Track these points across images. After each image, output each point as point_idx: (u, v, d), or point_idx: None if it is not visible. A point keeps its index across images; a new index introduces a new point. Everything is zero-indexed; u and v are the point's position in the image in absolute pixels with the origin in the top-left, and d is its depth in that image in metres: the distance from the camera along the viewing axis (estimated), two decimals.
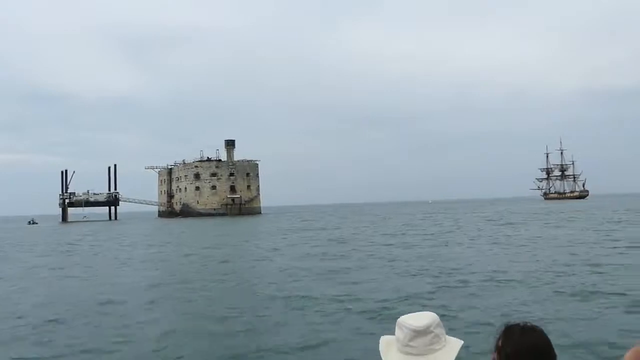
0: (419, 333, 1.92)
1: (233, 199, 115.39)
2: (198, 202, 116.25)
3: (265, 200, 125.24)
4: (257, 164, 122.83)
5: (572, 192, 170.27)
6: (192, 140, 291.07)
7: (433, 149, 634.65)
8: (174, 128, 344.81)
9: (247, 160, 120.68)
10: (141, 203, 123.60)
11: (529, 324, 1.92)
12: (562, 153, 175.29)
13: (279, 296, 14.54)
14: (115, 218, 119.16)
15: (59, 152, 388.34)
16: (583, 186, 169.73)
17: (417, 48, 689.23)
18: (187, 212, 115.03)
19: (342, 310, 12.33)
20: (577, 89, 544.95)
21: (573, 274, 16.28)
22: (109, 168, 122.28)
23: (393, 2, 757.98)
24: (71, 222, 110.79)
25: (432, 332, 1.93)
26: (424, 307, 11.70)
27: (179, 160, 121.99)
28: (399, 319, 2.01)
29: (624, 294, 12.73)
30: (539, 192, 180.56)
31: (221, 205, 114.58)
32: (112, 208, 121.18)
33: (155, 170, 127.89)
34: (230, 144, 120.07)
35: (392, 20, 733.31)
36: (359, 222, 61.49)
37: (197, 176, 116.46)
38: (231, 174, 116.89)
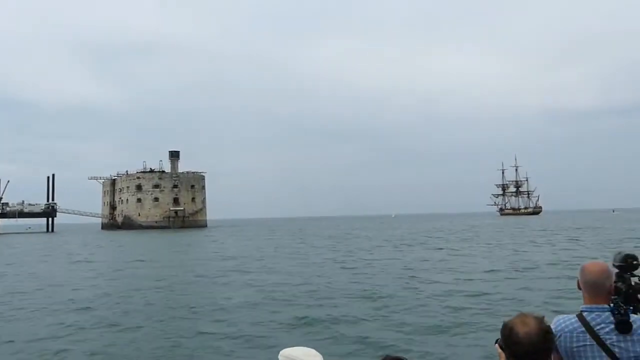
0: None
1: (176, 212, 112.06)
2: (139, 215, 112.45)
3: (221, 212, 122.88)
4: (203, 176, 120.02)
5: (526, 208, 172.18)
6: (153, 150, 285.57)
7: (399, 162, 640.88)
8: (133, 137, 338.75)
9: (192, 172, 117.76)
10: (81, 214, 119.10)
11: (392, 356, 1.98)
12: (516, 170, 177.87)
13: None
14: (52, 230, 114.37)
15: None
16: (536, 202, 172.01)
17: (385, 63, 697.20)
18: (128, 224, 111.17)
19: None
20: (535, 107, 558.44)
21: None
22: (48, 178, 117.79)
23: (363, 17, 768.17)
24: (3, 234, 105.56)
25: None
26: None
27: (126, 171, 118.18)
28: (285, 353, 1.95)
29: None
30: (495, 208, 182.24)
31: (163, 217, 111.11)
32: (50, 219, 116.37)
33: (99, 180, 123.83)
34: (174, 155, 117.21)
35: (362, 35, 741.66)
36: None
37: (138, 187, 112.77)
38: (175, 186, 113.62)
